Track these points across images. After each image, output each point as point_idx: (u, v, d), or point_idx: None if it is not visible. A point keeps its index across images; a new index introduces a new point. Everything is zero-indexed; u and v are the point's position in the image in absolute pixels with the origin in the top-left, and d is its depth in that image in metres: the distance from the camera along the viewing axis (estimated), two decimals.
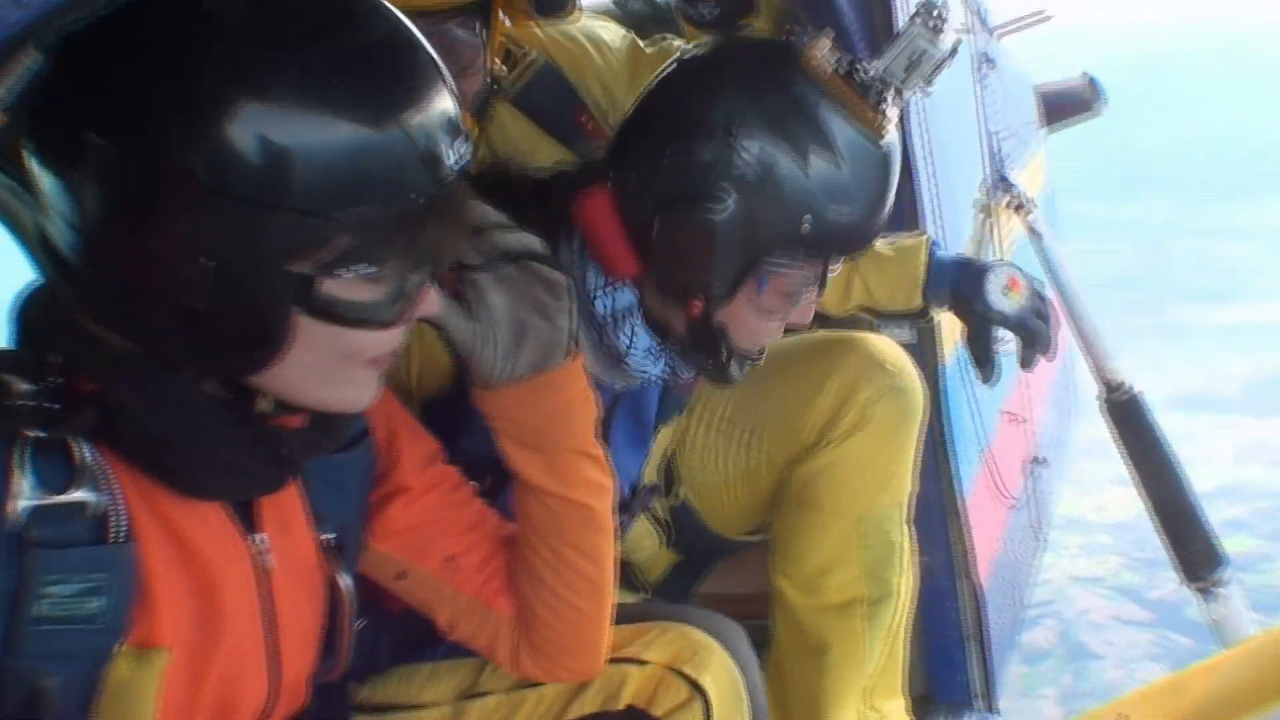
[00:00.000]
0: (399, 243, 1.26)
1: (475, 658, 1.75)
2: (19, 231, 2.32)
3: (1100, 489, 5.63)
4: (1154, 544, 3.30)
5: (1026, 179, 3.38)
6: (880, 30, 2.36)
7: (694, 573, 2.51)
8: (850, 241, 1.92)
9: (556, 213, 1.92)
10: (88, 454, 1.23)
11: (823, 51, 1.83)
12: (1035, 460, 3.60)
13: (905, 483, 2.33)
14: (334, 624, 1.53)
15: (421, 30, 1.30)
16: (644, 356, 1.97)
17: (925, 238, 2.40)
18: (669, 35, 2.84)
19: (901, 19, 2.32)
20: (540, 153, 2.51)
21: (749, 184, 1.80)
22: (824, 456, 2.29)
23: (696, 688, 1.69)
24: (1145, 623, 4.95)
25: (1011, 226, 3.29)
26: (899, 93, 1.86)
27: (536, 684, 1.72)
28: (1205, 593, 3.12)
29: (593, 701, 1.69)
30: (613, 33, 2.75)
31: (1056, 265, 3.17)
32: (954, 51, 1.91)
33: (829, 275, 1.95)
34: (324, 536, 1.50)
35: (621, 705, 1.69)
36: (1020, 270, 2.32)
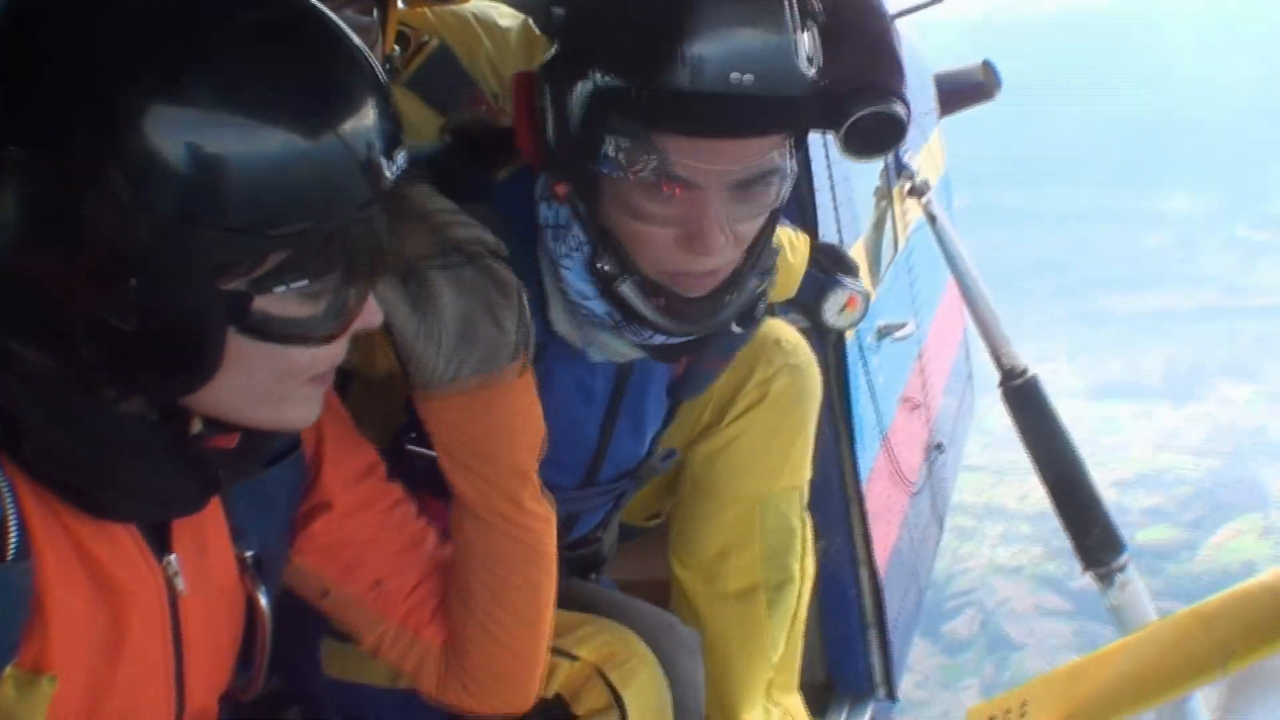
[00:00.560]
0: (337, 256, 1.20)
1: None
2: None
3: (1021, 479, 5.72)
4: None
5: (923, 165, 3.47)
6: None
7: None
8: (685, 109, 1.57)
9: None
10: None
11: None
12: (934, 446, 3.67)
13: (803, 467, 2.36)
14: (250, 642, 1.50)
15: None
16: (581, 281, 1.77)
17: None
18: None
19: None
20: (434, 136, 2.54)
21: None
22: (722, 435, 2.30)
23: (616, 698, 1.72)
24: (1066, 612, 5.07)
25: (909, 213, 3.38)
26: None
27: None
28: (1105, 579, 3.20)
29: None
30: (505, 15, 2.78)
31: (953, 249, 3.26)
32: None
33: (706, 194, 1.63)
34: (244, 554, 1.46)
35: (550, 694, 1.72)
36: (863, 292, 2.51)
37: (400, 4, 2.54)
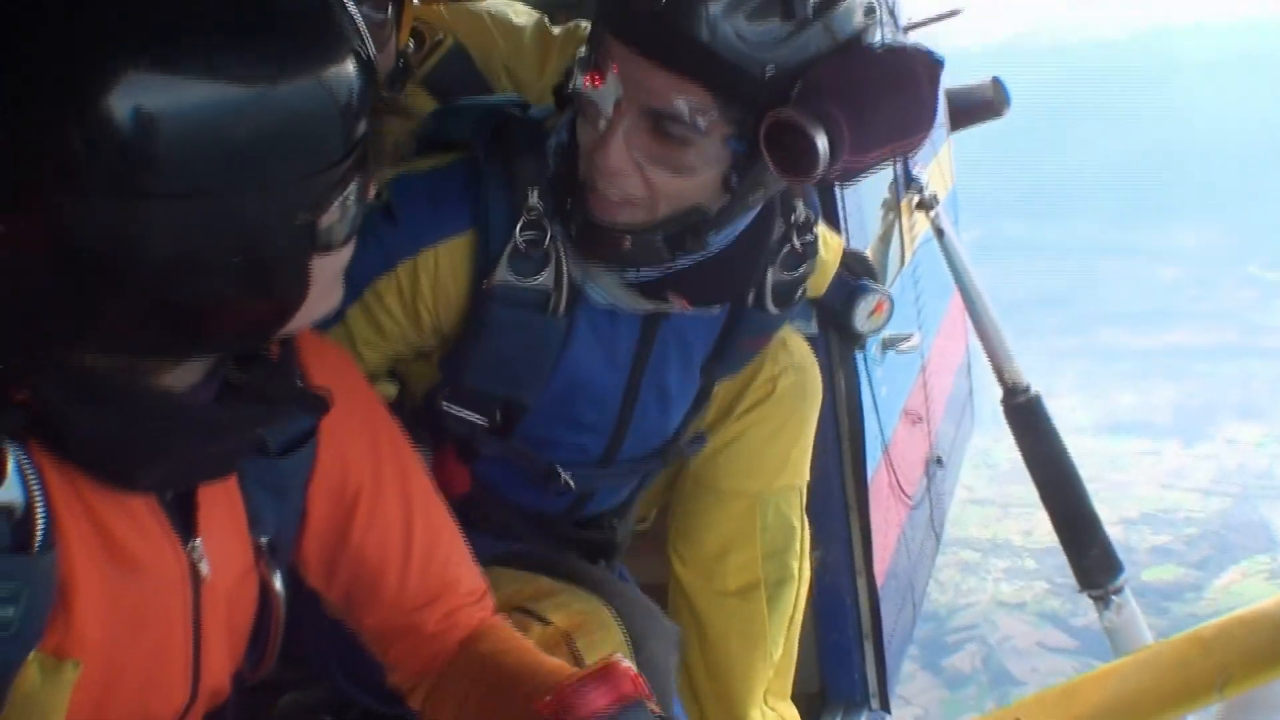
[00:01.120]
0: (364, 156, 1.31)
1: None
2: None
3: (1027, 513, 5.75)
4: None
5: (932, 178, 3.54)
6: None
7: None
8: (617, 11, 1.80)
9: None
10: (14, 454, 1.23)
11: None
12: (934, 461, 3.72)
13: (803, 467, 2.44)
14: (263, 625, 1.57)
15: None
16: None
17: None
18: (581, 21, 2.95)
19: None
20: None
21: None
22: (726, 431, 2.37)
23: (577, 663, 1.78)
24: (1069, 649, 5.09)
25: (916, 226, 3.45)
26: None
27: None
28: (1102, 600, 3.26)
29: None
30: (519, 14, 2.85)
31: (959, 263, 3.32)
32: None
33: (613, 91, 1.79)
34: (259, 539, 1.53)
35: None
36: (890, 296, 2.57)
37: (415, 0, 2.61)
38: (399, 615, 1.68)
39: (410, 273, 1.96)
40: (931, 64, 1.83)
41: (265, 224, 1.23)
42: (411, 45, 2.67)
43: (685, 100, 1.73)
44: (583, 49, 1.83)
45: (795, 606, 2.49)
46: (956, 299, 3.76)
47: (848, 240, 2.67)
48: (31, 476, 1.24)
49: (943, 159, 3.93)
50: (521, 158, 1.93)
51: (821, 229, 2.32)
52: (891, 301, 2.61)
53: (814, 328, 2.69)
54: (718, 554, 2.43)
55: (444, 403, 2.05)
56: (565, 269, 1.94)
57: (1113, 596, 3.25)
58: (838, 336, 2.67)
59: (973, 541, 6.07)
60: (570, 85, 1.84)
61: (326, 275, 1.34)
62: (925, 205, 3.31)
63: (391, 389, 2.06)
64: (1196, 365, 8.22)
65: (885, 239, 3.22)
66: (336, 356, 1.63)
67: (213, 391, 1.39)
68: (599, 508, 2.34)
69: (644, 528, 2.57)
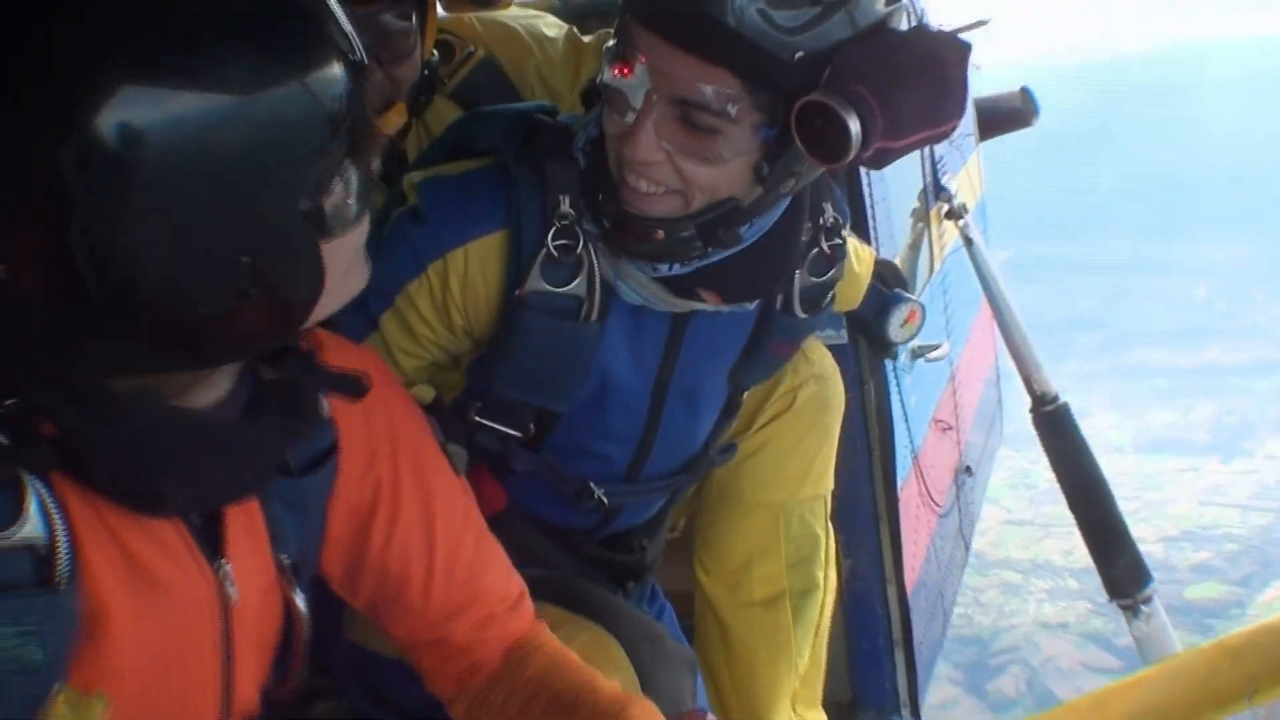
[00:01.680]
0: (354, 131, 1.30)
1: None
2: None
3: (1067, 533, 5.78)
4: None
5: (961, 188, 3.59)
6: None
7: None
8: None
9: None
10: (37, 488, 1.23)
11: None
12: (963, 469, 3.75)
13: (827, 476, 2.45)
14: (288, 642, 1.58)
15: (354, 17, 1.36)
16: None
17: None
18: (609, 30, 3.01)
19: None
20: None
21: None
22: (750, 442, 2.39)
23: None
24: (1113, 669, 5.08)
25: (945, 235, 3.51)
26: None
27: None
28: (1131, 609, 3.29)
29: None
30: (551, 25, 2.89)
31: (988, 272, 3.36)
32: None
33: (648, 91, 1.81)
34: (282, 559, 1.53)
35: None
36: (921, 305, 2.59)
37: (441, 10, 2.65)
38: (427, 627, 1.69)
39: (440, 273, 1.99)
40: (959, 46, 1.84)
41: (269, 219, 1.23)
42: (437, 56, 2.73)
43: (714, 88, 1.75)
44: (610, 41, 1.86)
45: (822, 615, 2.50)
46: (985, 309, 3.80)
47: (877, 249, 2.69)
48: (54, 511, 1.24)
49: (971, 169, 3.96)
50: (552, 163, 1.95)
51: (854, 242, 2.33)
52: (923, 310, 2.65)
53: (844, 337, 2.74)
54: (742, 565, 2.44)
55: (475, 417, 2.07)
56: (598, 273, 1.97)
57: (1142, 606, 3.27)
58: (868, 345, 2.71)
59: (1014, 563, 6.06)
60: (598, 78, 1.87)
61: (345, 256, 1.34)
62: (954, 214, 3.35)
63: (428, 392, 2.07)
64: (1233, 381, 8.22)
65: (914, 248, 3.24)
66: (362, 362, 1.61)
67: (242, 402, 1.41)
68: (626, 524, 2.35)
69: (674, 536, 2.59)
